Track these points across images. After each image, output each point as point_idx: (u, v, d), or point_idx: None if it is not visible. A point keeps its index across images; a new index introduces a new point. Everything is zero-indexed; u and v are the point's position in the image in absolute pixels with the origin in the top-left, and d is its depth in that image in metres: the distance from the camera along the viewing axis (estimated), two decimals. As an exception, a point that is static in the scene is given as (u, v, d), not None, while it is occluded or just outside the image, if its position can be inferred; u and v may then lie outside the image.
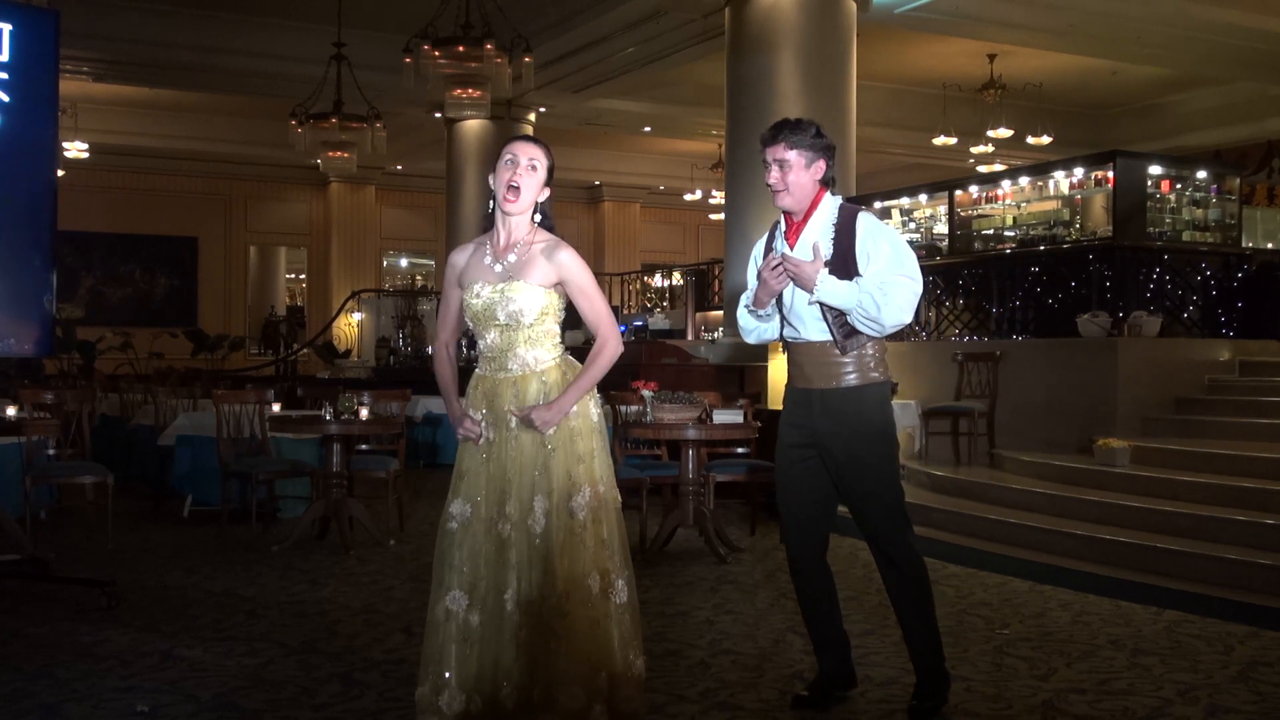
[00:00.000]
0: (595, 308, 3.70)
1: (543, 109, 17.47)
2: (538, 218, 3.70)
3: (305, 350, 21.40)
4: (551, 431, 3.58)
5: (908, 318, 3.86)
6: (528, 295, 3.62)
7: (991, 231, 12.38)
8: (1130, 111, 19.21)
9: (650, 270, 23.20)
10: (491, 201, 3.72)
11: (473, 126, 16.92)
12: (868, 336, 3.93)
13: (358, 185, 23.99)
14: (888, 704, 4.17)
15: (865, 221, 3.93)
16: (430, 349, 17.72)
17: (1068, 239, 11.20)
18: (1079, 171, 11.13)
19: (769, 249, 4.11)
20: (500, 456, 3.62)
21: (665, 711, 4.08)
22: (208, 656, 4.77)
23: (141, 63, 15.55)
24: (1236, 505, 6.86)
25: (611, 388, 10.28)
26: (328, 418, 7.29)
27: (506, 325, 3.64)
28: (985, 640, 5.07)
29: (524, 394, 3.63)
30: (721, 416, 7.69)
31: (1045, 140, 17.14)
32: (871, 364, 3.97)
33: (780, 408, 4.27)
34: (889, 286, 3.79)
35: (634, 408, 7.56)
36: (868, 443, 3.95)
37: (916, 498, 8.83)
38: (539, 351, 3.67)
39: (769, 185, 3.98)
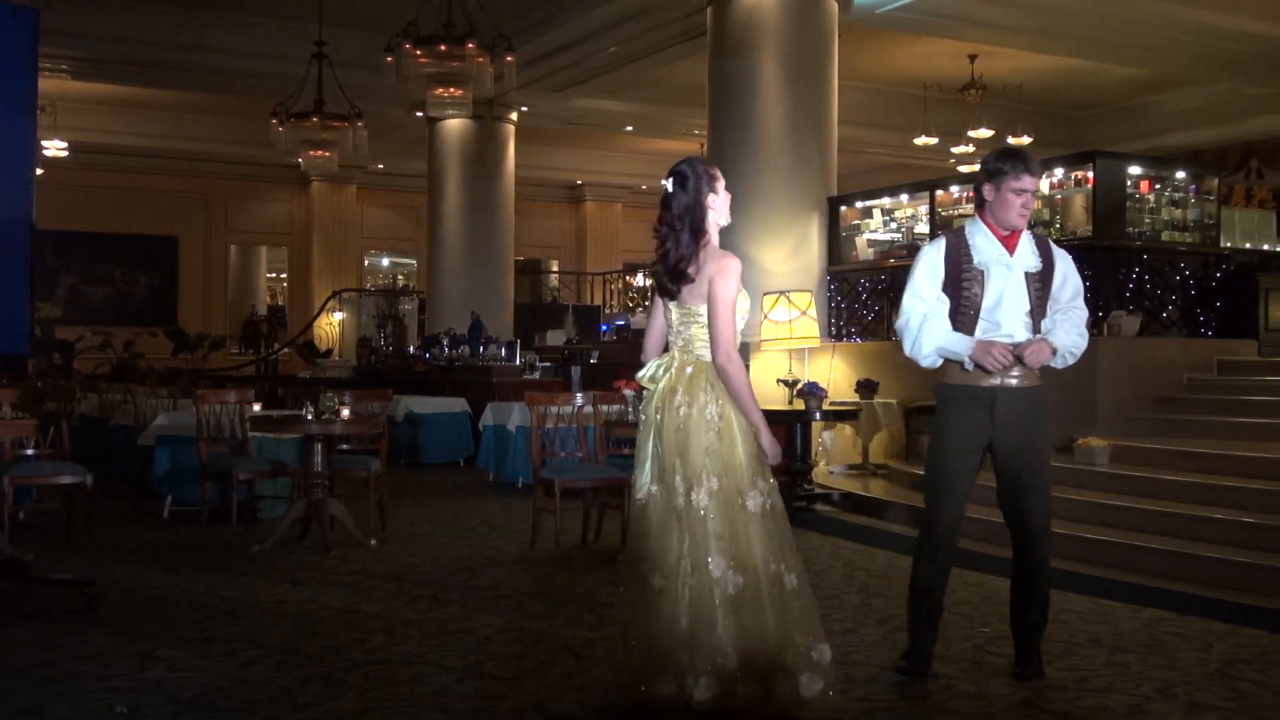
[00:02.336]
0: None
1: (525, 108, 17.44)
2: None
3: (286, 350, 21.32)
4: None
5: None
6: None
7: (972, 231, 12.41)
8: (1109, 112, 19.30)
9: (632, 270, 23.18)
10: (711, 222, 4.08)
11: (454, 126, 16.85)
12: None
13: (339, 184, 23.88)
14: (869, 702, 4.18)
15: (1054, 245, 4.51)
16: (411, 349, 17.63)
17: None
18: (1059, 171, 11.15)
19: (961, 257, 4.38)
20: None
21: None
22: (188, 657, 4.75)
23: (121, 61, 15.45)
24: (1215, 504, 6.90)
25: (595, 387, 10.30)
26: (309, 417, 7.27)
27: None
28: (966, 639, 5.08)
29: None
30: (704, 415, 7.68)
31: (1026, 140, 17.16)
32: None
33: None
34: (1078, 315, 4.36)
35: (617, 407, 7.58)
36: (1043, 435, 4.42)
37: (900, 496, 8.87)
38: None
39: (1022, 214, 4.35)
